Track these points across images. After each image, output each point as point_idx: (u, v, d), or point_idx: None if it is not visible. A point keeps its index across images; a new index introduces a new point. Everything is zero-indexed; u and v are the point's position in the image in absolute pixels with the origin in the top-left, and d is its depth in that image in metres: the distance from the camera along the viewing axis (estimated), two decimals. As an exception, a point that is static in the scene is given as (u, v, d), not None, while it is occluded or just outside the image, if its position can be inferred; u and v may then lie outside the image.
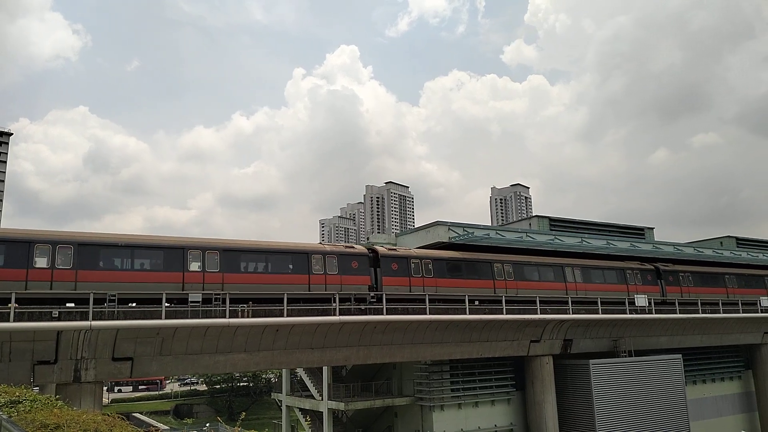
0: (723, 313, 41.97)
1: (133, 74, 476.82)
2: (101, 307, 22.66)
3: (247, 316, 25.68)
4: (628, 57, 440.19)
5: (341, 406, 35.66)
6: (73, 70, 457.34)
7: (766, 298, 45.50)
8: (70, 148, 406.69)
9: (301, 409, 42.22)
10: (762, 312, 44.63)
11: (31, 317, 21.59)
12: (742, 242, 56.11)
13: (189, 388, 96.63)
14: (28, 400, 9.64)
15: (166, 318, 23.52)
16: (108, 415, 8.25)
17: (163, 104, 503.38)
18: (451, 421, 34.58)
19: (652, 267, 42.40)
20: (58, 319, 22.04)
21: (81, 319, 22.14)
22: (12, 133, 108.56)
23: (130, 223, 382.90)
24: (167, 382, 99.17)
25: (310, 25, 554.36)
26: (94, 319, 22.17)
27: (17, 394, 10.37)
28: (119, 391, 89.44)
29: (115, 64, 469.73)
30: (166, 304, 23.64)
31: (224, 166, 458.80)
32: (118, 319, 22.93)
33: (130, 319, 23.18)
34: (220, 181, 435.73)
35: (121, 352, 24.15)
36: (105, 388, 68.23)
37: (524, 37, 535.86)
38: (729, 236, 56.17)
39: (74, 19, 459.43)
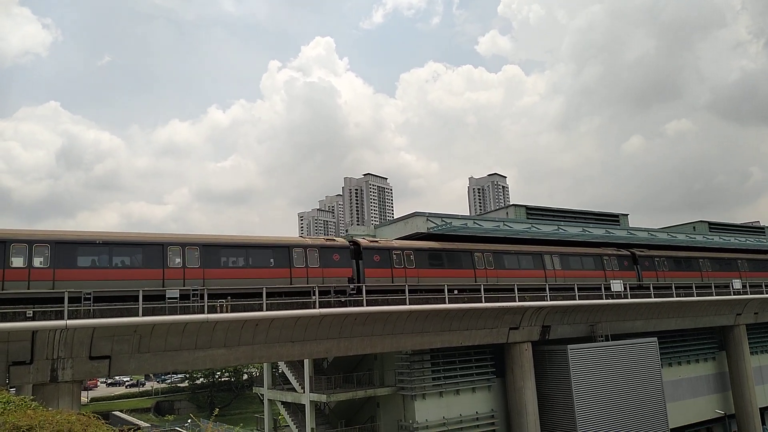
0: (697, 296, 42.78)
1: (105, 68, 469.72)
2: (77, 306, 22.36)
3: (227, 311, 25.55)
4: (602, 47, 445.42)
5: (323, 398, 35.73)
6: (43, 66, 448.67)
7: (737, 280, 46.53)
8: (42, 145, 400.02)
9: (283, 403, 42.20)
10: (734, 294, 45.65)
11: (4, 318, 21.22)
12: (715, 227, 57.22)
13: (126, 388, 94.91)
14: (1, 402, 9.49)
15: (143, 315, 23.27)
16: (83, 414, 8.17)
17: (136, 98, 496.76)
18: (432, 410, 34.85)
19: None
20: (33, 318, 21.68)
21: (56, 319, 21.81)
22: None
23: (105, 219, 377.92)
24: (100, 382, 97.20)
25: (283, 17, 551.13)
26: (69, 318, 21.86)
27: (-10, 396, 10.21)
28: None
29: (87, 59, 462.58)
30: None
31: (201, 160, 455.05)
32: (94, 317, 22.63)
33: (106, 317, 22.88)
34: (197, 175, 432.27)
35: (98, 351, 23.84)
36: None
37: (499, 28, 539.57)
38: (701, 221, 57.23)
39: (43, 14, 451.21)
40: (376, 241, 33.11)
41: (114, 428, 8.72)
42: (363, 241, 32.33)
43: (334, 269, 30.04)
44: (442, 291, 31.65)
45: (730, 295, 45.52)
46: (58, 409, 9.16)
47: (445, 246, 34.76)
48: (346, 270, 30.43)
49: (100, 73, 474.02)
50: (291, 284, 28.38)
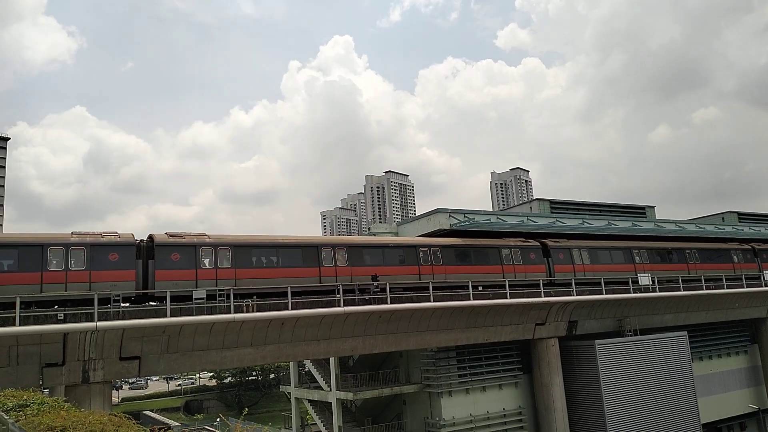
0: (727, 288, 41.87)
1: (129, 73, 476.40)
2: (106, 308, 22.73)
3: (252, 311, 25.74)
4: (626, 35, 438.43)
5: (350, 396, 35.81)
6: (69, 73, 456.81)
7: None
8: (70, 150, 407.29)
9: (310, 401, 42.42)
10: (766, 286, 44.60)
11: (36, 320, 21.66)
12: (744, 217, 55.99)
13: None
14: (35, 403, 9.69)
15: (171, 316, 23.56)
16: (115, 415, 8.30)
17: (161, 102, 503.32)
18: (459, 407, 34.72)
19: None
20: (64, 321, 22.09)
21: (86, 321, 22.21)
22: (9, 138, 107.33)
23: (133, 222, 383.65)
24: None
25: (301, 18, 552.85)
26: (99, 320, 22.24)
27: (25, 397, 10.44)
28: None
29: (111, 65, 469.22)
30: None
31: (224, 161, 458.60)
32: (123, 318, 22.99)
33: (135, 318, 23.23)
34: (221, 176, 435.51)
35: (128, 352, 24.23)
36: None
37: (518, 21, 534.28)
38: (731, 211, 56.05)
39: (68, 22, 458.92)
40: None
41: (145, 428, 8.84)
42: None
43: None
44: (468, 287, 31.48)
45: (762, 286, 44.51)
46: (90, 410, 9.32)
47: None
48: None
49: (124, 78, 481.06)
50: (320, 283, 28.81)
